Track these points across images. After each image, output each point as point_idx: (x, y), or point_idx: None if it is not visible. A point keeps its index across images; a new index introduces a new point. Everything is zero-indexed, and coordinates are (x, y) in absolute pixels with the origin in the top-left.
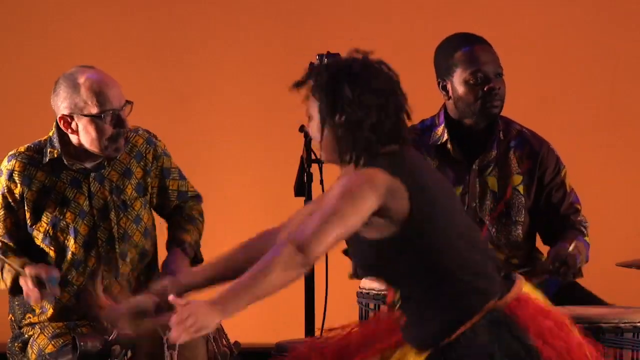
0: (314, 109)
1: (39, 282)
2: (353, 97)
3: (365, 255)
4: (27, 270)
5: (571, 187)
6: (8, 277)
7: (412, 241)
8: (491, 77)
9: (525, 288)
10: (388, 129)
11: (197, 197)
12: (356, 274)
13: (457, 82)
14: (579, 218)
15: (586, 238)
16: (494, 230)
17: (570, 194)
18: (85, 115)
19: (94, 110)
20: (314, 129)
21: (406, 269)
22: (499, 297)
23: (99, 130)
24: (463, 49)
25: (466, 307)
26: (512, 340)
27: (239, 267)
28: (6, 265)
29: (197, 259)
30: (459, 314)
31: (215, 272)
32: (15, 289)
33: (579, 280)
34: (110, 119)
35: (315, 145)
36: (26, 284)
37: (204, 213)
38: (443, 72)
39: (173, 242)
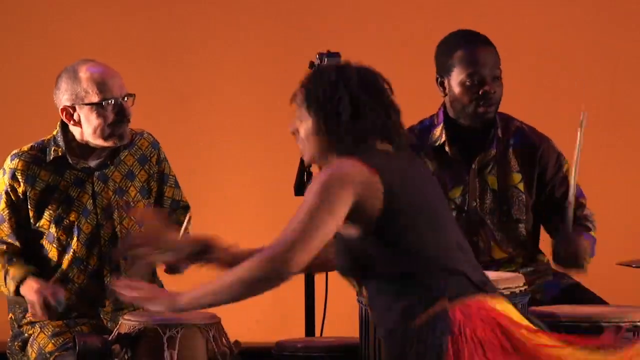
0: (304, 116)
1: (47, 307)
2: (346, 99)
3: (343, 254)
4: (35, 296)
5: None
6: (11, 285)
7: (385, 238)
8: (487, 80)
9: (494, 301)
10: (376, 128)
11: (186, 208)
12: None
13: (454, 82)
14: (584, 212)
15: (592, 233)
16: (495, 229)
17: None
18: (87, 104)
19: (95, 98)
20: (302, 135)
21: (382, 263)
22: (454, 297)
23: (101, 119)
24: (463, 49)
25: (423, 301)
26: (434, 342)
27: None
28: (10, 273)
29: None
30: (414, 307)
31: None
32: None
33: (580, 280)
34: (112, 108)
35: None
36: (34, 309)
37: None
38: (442, 69)
39: None
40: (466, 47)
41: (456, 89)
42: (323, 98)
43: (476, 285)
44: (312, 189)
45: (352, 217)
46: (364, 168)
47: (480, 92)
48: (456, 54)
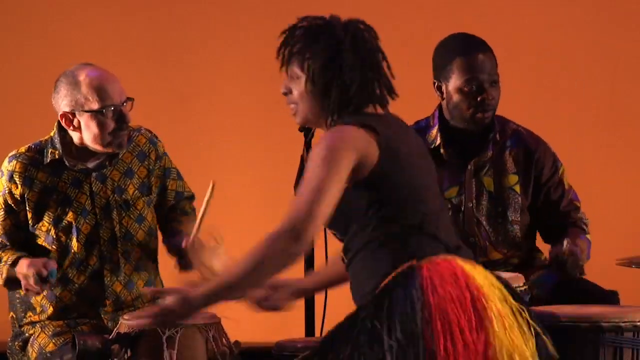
0: (295, 75)
1: (40, 278)
2: (337, 60)
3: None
4: (27, 269)
5: (570, 185)
6: (3, 271)
7: (374, 191)
8: (486, 86)
9: (464, 263)
10: (366, 90)
11: (191, 197)
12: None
13: (452, 88)
14: (578, 215)
15: (587, 236)
16: (491, 230)
17: (569, 192)
18: (87, 111)
19: (95, 105)
20: (295, 95)
21: (362, 220)
22: (423, 257)
23: (101, 126)
24: (461, 56)
25: (393, 261)
26: (404, 300)
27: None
28: (2, 259)
29: None
30: (385, 267)
31: (324, 276)
32: (10, 284)
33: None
34: (112, 115)
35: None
36: (26, 280)
37: None
38: (439, 74)
39: (170, 234)
40: (464, 53)
41: (454, 95)
42: (319, 56)
43: (449, 248)
44: (318, 154)
45: (350, 176)
46: (362, 131)
47: (478, 99)
48: (454, 61)
